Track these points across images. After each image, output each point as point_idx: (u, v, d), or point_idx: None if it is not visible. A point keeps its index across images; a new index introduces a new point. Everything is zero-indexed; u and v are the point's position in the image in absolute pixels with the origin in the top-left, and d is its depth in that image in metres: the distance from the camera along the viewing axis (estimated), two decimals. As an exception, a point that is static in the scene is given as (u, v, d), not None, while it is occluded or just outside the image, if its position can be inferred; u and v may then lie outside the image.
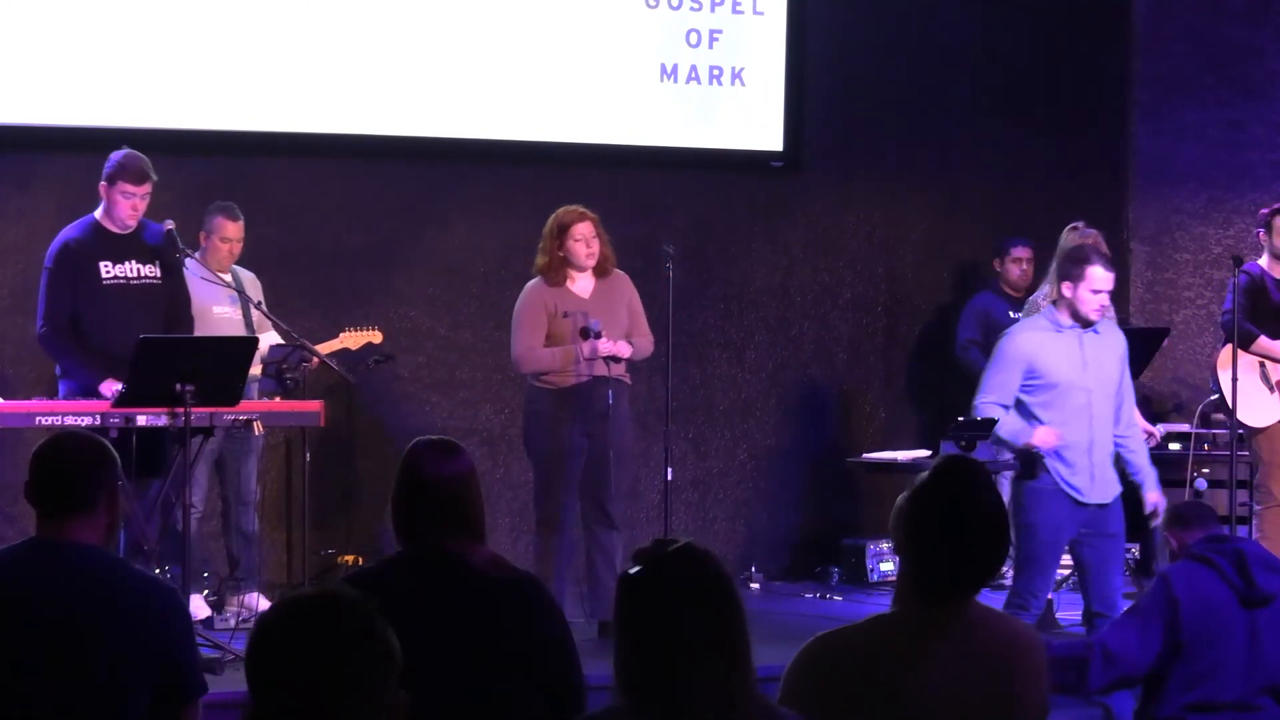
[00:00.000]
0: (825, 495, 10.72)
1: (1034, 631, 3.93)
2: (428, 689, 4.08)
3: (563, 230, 8.29)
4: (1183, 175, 11.14)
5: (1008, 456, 9.89)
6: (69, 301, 7.90)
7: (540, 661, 4.37)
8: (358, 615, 2.69)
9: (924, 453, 8.85)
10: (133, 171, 7.88)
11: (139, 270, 7.98)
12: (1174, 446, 9.88)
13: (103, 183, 7.92)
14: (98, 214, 7.98)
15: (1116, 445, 7.48)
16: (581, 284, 8.35)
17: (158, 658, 4.24)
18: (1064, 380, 7.39)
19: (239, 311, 8.72)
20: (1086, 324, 7.40)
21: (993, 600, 9.58)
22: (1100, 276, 7.37)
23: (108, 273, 7.92)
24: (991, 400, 7.47)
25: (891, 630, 3.71)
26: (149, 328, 7.79)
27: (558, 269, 8.29)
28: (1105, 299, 7.43)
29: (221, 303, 8.69)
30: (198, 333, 8.37)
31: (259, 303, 8.61)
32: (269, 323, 8.62)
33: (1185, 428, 10.06)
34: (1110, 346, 7.49)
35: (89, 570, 4.24)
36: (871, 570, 10.28)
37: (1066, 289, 7.41)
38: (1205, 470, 9.41)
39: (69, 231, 8.01)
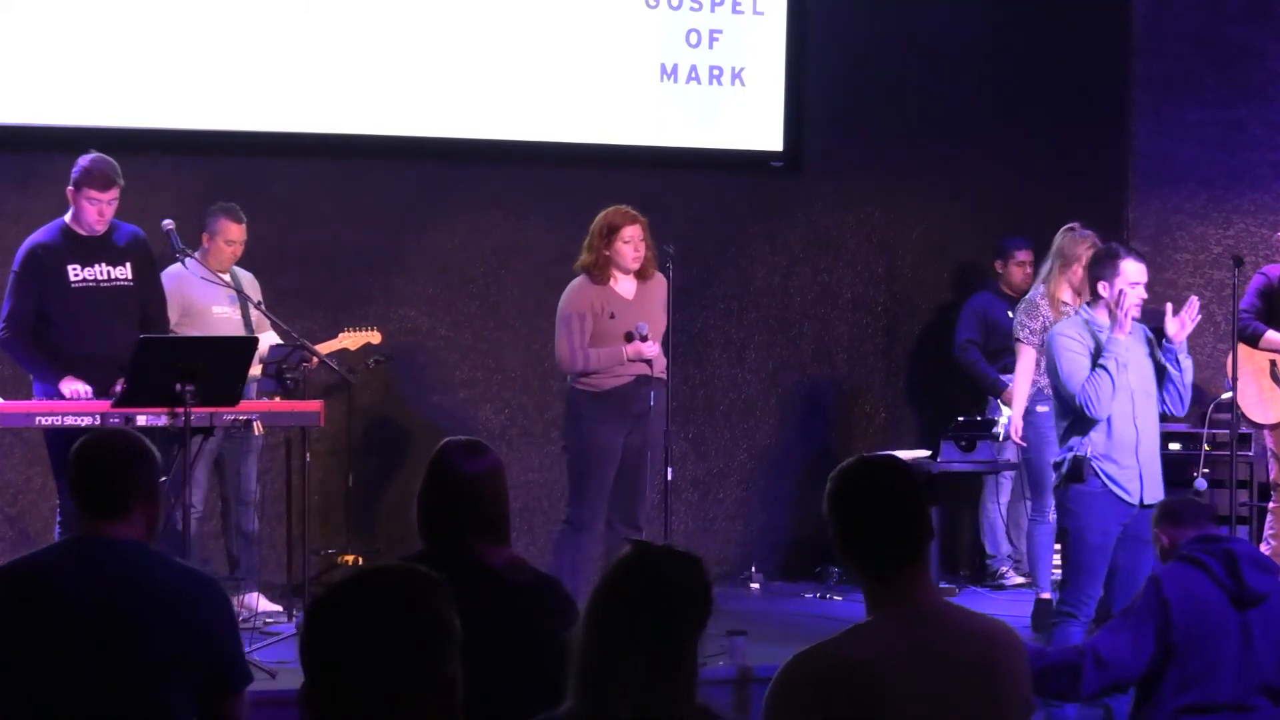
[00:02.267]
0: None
1: (1012, 630, 3.91)
2: None
3: (612, 231, 8.30)
4: (1183, 175, 11.13)
5: (1008, 456, 9.93)
6: (34, 305, 7.89)
7: (555, 664, 4.37)
8: (417, 587, 2.66)
9: (924, 453, 8.87)
10: (98, 177, 7.85)
11: (109, 272, 7.97)
12: (1174, 446, 9.88)
13: (69, 187, 7.91)
14: (67, 217, 7.97)
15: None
16: (624, 285, 8.38)
17: (201, 650, 4.26)
18: None
19: (238, 312, 8.73)
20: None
21: (995, 600, 9.63)
22: (1135, 269, 7.32)
23: (76, 275, 7.91)
24: (1083, 381, 7.26)
25: (870, 639, 3.69)
26: (120, 329, 7.81)
27: (603, 268, 8.31)
28: (1143, 293, 7.37)
29: (221, 303, 8.69)
30: (198, 333, 8.39)
31: (259, 303, 8.61)
32: (268, 323, 8.62)
33: (1184, 428, 10.06)
34: (1140, 343, 7.44)
35: (129, 567, 4.26)
36: (871, 570, 10.25)
37: (1103, 288, 7.35)
38: (1205, 470, 9.41)
39: (38, 235, 8.00)
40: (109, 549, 4.27)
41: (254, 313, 8.67)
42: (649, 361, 8.31)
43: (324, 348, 8.81)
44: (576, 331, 8.30)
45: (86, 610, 4.19)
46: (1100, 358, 7.25)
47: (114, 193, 7.88)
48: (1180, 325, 7.33)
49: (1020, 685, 3.79)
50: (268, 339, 8.74)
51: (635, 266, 8.35)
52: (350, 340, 9.13)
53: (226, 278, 8.70)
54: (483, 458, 4.45)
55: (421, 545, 4.45)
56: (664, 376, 8.45)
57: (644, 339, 8.27)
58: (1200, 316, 7.49)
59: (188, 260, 8.29)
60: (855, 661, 3.63)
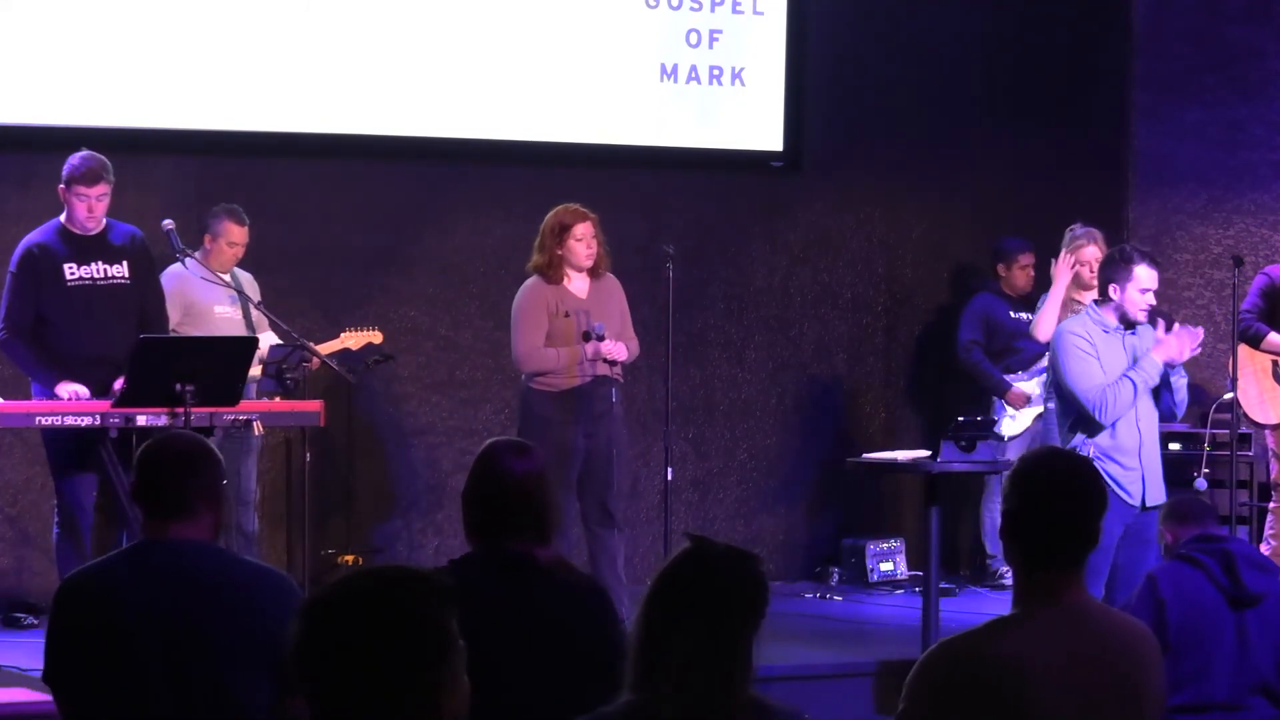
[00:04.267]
0: (825, 495, 10.72)
1: (1146, 628, 3.93)
2: (501, 689, 4.12)
3: (564, 229, 8.29)
4: (1183, 175, 11.13)
5: (1009, 456, 9.92)
6: (31, 306, 7.89)
7: (603, 661, 4.38)
8: (410, 589, 2.65)
9: (924, 453, 8.85)
10: (85, 174, 7.84)
11: (105, 271, 7.97)
12: (1174, 447, 9.88)
13: (60, 186, 7.92)
14: (62, 218, 7.98)
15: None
16: (578, 284, 8.36)
17: (276, 647, 4.23)
18: None
19: (240, 312, 8.73)
20: (1130, 325, 7.35)
21: (994, 600, 9.62)
22: (1147, 275, 7.31)
23: (72, 274, 7.91)
24: (1098, 384, 7.24)
25: (1018, 635, 3.70)
26: (117, 328, 7.81)
27: (556, 267, 8.29)
28: (1152, 299, 7.35)
29: (223, 303, 8.70)
30: (200, 333, 8.39)
31: (259, 303, 8.61)
32: (267, 323, 8.63)
33: (1184, 428, 10.06)
34: (1148, 345, 7.43)
35: (200, 567, 4.27)
36: (871, 570, 10.28)
37: (1113, 290, 7.32)
38: (1206, 470, 9.41)
39: (33, 235, 8.01)
40: (176, 550, 4.27)
41: (254, 312, 8.68)
42: (610, 362, 8.28)
43: (325, 347, 8.82)
44: (532, 332, 8.26)
45: (161, 612, 4.19)
46: (1132, 369, 7.25)
47: (102, 188, 7.87)
48: (1172, 350, 7.34)
49: (1158, 683, 3.82)
50: (267, 339, 8.74)
51: (589, 263, 8.32)
52: (352, 340, 9.13)
53: (227, 278, 8.70)
54: (530, 458, 4.50)
55: (470, 546, 4.47)
56: (620, 377, 8.41)
57: (600, 338, 8.24)
58: (1199, 350, 7.48)
59: (188, 260, 8.30)
60: (1003, 656, 3.65)
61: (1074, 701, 3.64)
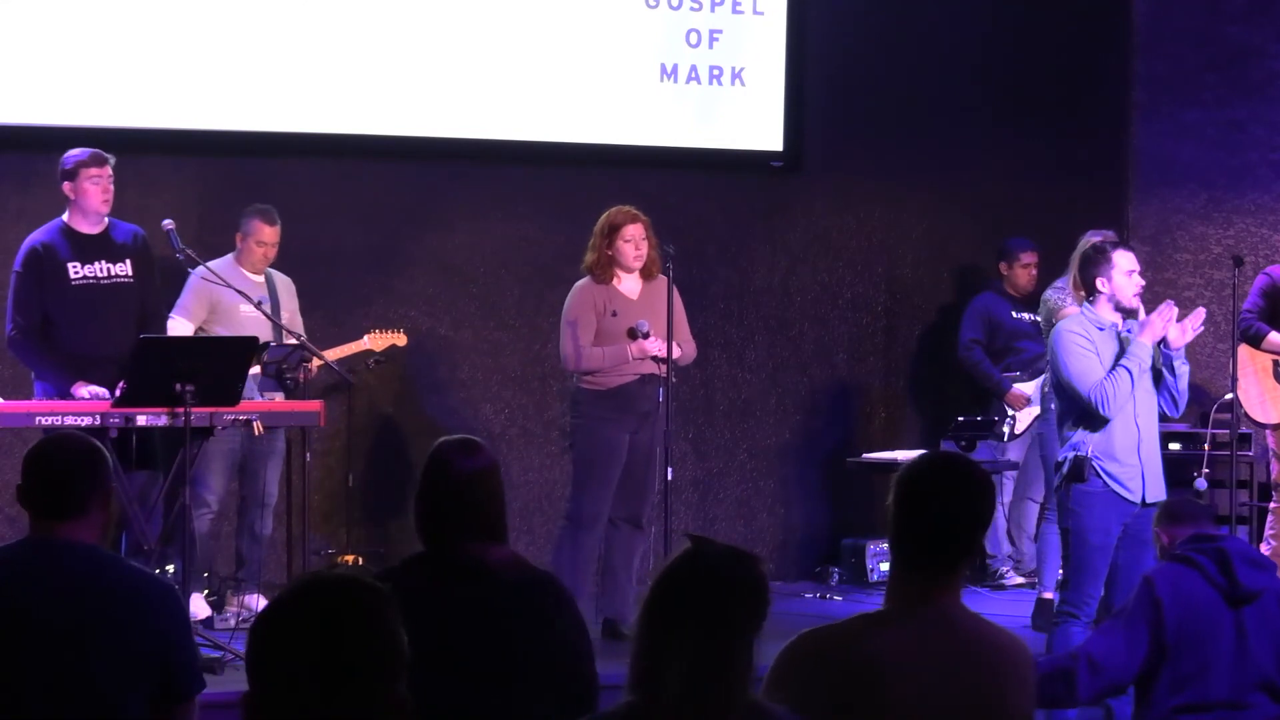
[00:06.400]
0: (825, 495, 10.72)
1: (1022, 643, 3.90)
2: (444, 690, 4.08)
3: (614, 230, 8.36)
4: (1183, 175, 11.13)
5: (1010, 457, 9.93)
6: (38, 304, 7.92)
7: (556, 662, 4.36)
8: (368, 601, 2.63)
9: (924, 453, 8.90)
10: (91, 157, 7.95)
11: (109, 270, 8.00)
12: (1174, 446, 9.88)
13: (65, 182, 7.96)
14: (65, 217, 8.02)
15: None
16: (628, 284, 8.42)
17: (155, 655, 4.24)
18: None
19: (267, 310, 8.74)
20: (1128, 315, 7.35)
21: (995, 600, 9.63)
22: (1127, 259, 7.33)
23: (76, 273, 7.94)
24: (1097, 379, 7.23)
25: (883, 633, 3.69)
26: (120, 327, 7.85)
27: (606, 268, 8.36)
28: (1140, 280, 7.37)
29: (249, 302, 8.70)
30: (227, 332, 8.43)
31: (260, 301, 8.58)
32: (300, 323, 8.73)
33: (1185, 428, 10.06)
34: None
35: (85, 569, 4.24)
36: (871, 570, 10.28)
37: (1101, 284, 7.34)
38: (1206, 470, 9.41)
39: (36, 235, 8.05)
40: (64, 550, 4.25)
41: (284, 313, 8.73)
42: (658, 360, 8.33)
43: (348, 348, 9.00)
44: (580, 332, 8.33)
45: (42, 612, 4.17)
46: (1124, 358, 7.26)
47: (108, 169, 7.96)
48: (1181, 333, 7.33)
49: (1024, 701, 3.79)
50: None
51: (637, 265, 8.40)
52: (375, 342, 9.20)
53: (260, 279, 8.76)
54: (477, 456, 4.43)
55: (422, 548, 4.43)
56: (671, 377, 8.46)
57: (645, 336, 8.30)
58: (1203, 329, 7.48)
59: (196, 261, 8.32)
60: (867, 655, 3.64)
61: (933, 707, 3.62)
